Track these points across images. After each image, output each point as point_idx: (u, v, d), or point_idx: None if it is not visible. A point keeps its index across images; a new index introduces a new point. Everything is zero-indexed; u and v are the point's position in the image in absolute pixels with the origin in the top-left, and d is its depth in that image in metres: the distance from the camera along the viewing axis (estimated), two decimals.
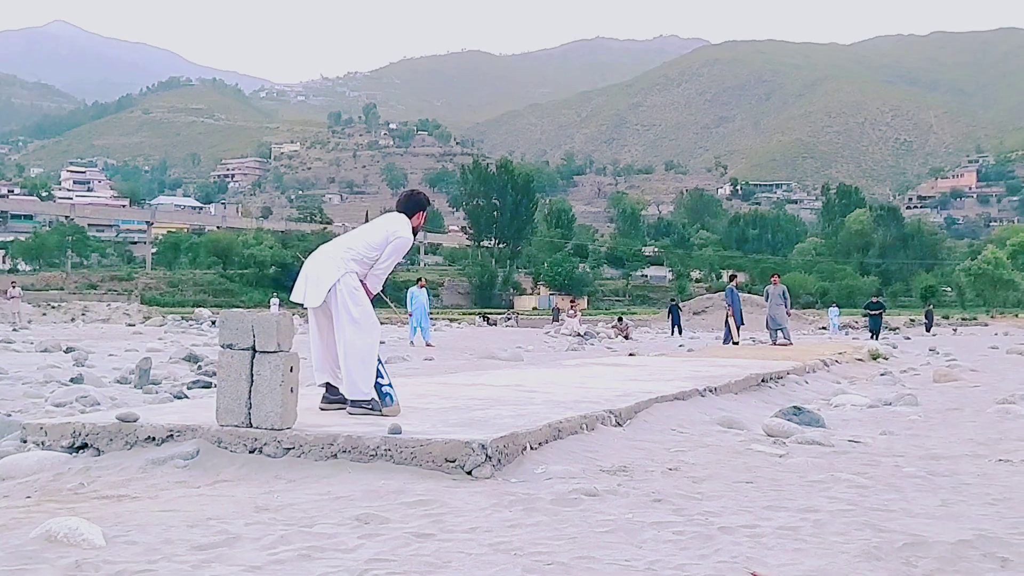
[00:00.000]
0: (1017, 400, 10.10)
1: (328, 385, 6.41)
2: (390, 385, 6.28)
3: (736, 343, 24.02)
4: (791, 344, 22.92)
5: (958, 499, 4.76)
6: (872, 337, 34.17)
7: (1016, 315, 74.83)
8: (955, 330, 54.62)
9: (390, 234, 6.37)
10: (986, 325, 63.21)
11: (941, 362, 19.01)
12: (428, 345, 23.82)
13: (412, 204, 6.70)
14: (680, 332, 42.01)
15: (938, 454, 6.44)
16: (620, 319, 43.44)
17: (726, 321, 25.19)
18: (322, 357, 6.40)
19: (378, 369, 6.27)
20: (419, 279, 28.02)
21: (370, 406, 6.14)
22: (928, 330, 50.23)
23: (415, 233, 6.62)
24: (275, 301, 52.32)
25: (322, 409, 6.34)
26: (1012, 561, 3.50)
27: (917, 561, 3.49)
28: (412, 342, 24.56)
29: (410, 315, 25.66)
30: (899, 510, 4.43)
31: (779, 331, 23.68)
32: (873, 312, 38.08)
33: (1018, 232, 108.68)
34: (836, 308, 56.02)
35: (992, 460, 6.13)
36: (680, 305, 49.08)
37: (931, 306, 61.25)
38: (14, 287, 42.54)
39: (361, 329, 6.16)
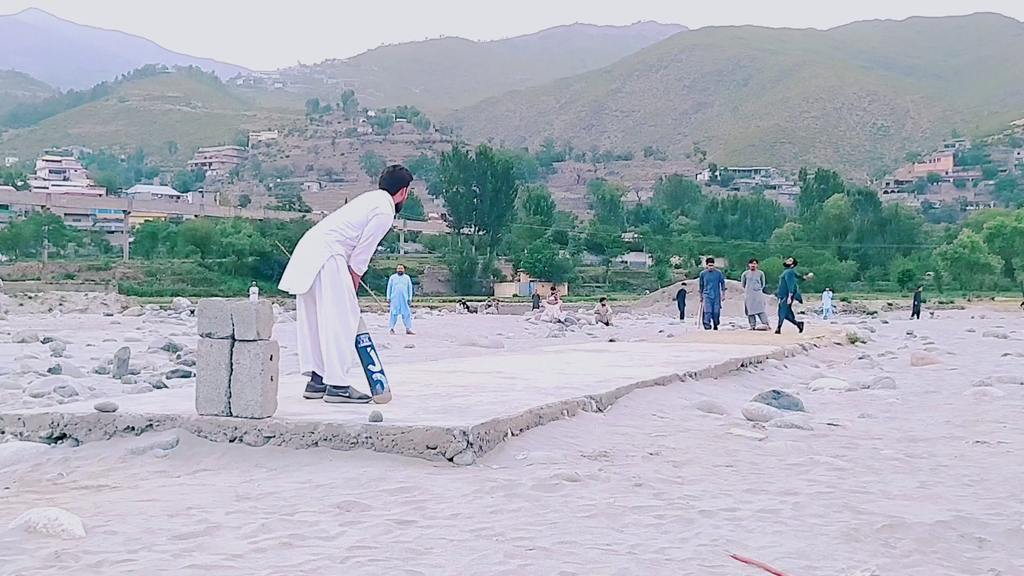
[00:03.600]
0: (993, 382, 10.20)
1: (313, 374, 6.38)
2: (382, 372, 6.25)
3: (703, 326, 23.95)
4: (769, 328, 22.97)
5: (936, 481, 4.80)
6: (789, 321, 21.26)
7: (992, 298, 75.41)
8: (932, 314, 54.99)
9: (370, 211, 6.32)
10: (963, 308, 63.62)
11: (918, 345, 19.17)
12: (409, 332, 23.78)
13: (395, 180, 6.61)
14: (682, 317, 41.68)
15: (916, 436, 6.49)
16: (602, 300, 43.43)
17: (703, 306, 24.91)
18: (309, 345, 6.36)
19: (371, 356, 6.24)
20: (398, 266, 27.89)
21: (347, 394, 6.12)
22: (916, 315, 47.35)
23: (398, 209, 6.56)
24: (254, 290, 52.12)
25: (306, 398, 6.30)
26: (989, 542, 3.53)
27: (896, 542, 3.52)
28: (392, 330, 24.50)
29: (389, 303, 25.60)
30: (878, 492, 4.47)
31: (758, 316, 23.72)
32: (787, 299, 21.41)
33: (994, 216, 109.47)
34: (830, 292, 56.05)
35: (969, 442, 6.19)
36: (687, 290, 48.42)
37: (920, 288, 58.83)
38: None
39: (342, 313, 6.12)
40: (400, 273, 26.20)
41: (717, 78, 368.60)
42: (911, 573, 3.16)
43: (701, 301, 24.61)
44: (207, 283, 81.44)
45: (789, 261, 22.31)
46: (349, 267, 6.27)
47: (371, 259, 6.51)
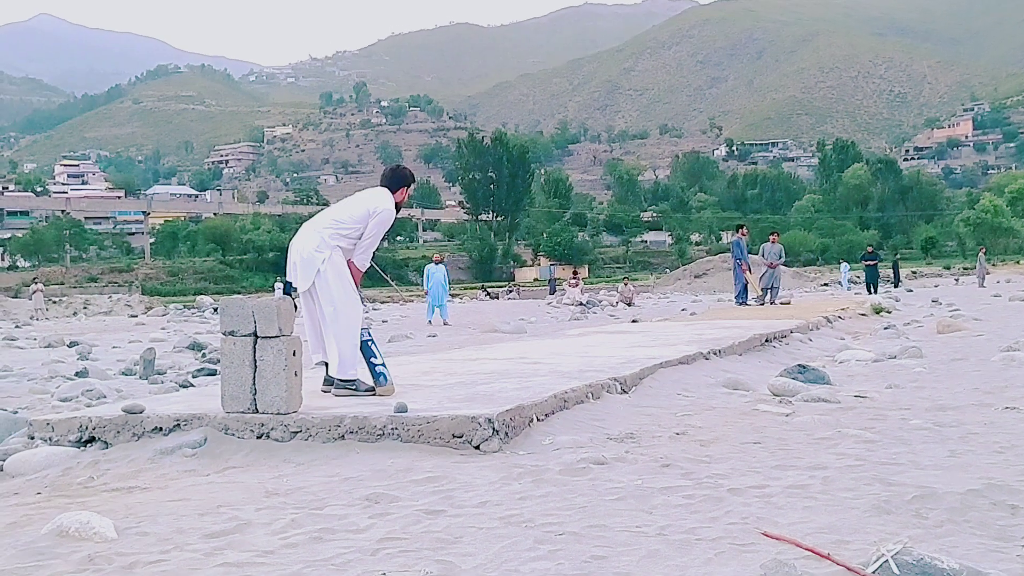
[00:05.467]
0: (1021, 347, 10.10)
1: (327, 365, 6.40)
2: (383, 365, 6.26)
3: (752, 300, 22.38)
4: (774, 304, 22.00)
5: (966, 449, 4.77)
6: (870, 291, 32.71)
7: (1017, 262, 74.70)
8: (957, 280, 54.51)
9: (371, 209, 6.27)
10: (988, 273, 63.01)
11: (944, 313, 19.02)
12: (445, 324, 22.88)
13: (396, 179, 6.57)
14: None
15: (944, 405, 6.44)
16: (625, 280, 43.40)
17: (739, 275, 22.57)
18: (317, 337, 6.39)
19: (372, 349, 6.25)
20: (435, 255, 27.18)
21: (354, 387, 6.12)
22: (896, 285, 46.40)
23: (398, 208, 6.52)
24: (279, 285, 52.29)
25: (323, 391, 6.33)
26: (1022, 509, 3.50)
27: (927, 513, 3.49)
28: (430, 321, 23.69)
29: (427, 293, 24.83)
30: (907, 463, 4.44)
31: (771, 290, 22.70)
32: (869, 263, 35.43)
33: (1016, 179, 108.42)
34: (847, 264, 55.89)
35: (998, 408, 6.14)
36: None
37: (898, 256, 58.95)
38: (36, 283, 44.44)
39: (345, 309, 6.11)
40: (437, 263, 25.17)
41: (730, 52, 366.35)
42: (944, 543, 3.13)
43: (746, 271, 22.77)
44: (229, 280, 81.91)
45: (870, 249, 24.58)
46: (351, 263, 6.26)
47: (381, 248, 6.53)
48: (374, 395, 6.05)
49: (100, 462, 5.13)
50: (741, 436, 5.35)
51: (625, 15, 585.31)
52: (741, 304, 22.22)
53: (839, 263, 63.50)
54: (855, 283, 51.76)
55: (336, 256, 6.16)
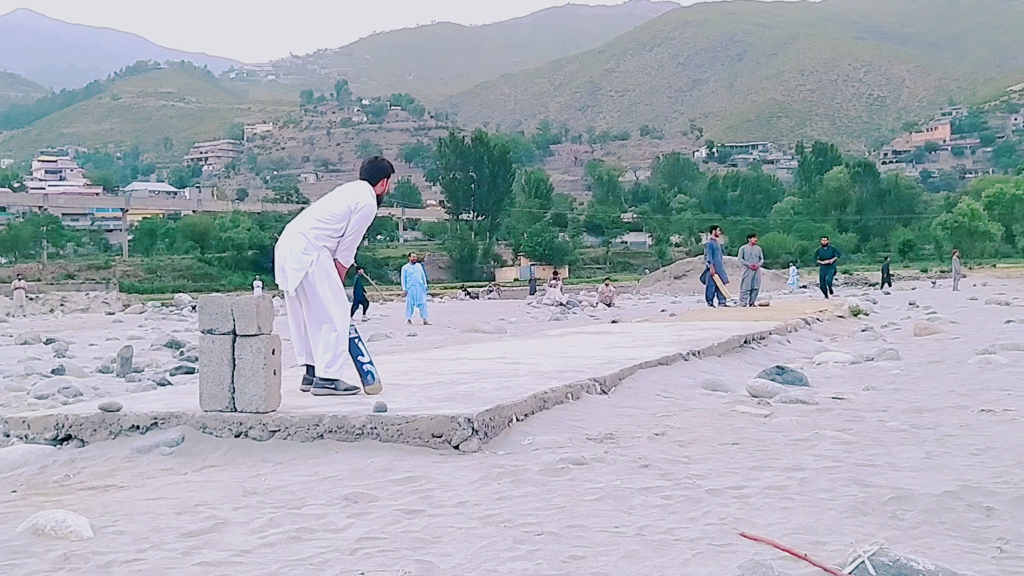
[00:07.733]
0: (997, 350, 10.19)
1: (309, 367, 6.36)
2: (371, 363, 6.23)
3: (731, 302, 22.23)
4: (753, 305, 21.84)
5: (942, 451, 4.80)
6: (824, 292, 29.18)
7: (994, 265, 75.35)
8: (934, 283, 54.90)
9: (352, 204, 6.22)
10: (964, 276, 63.51)
11: (921, 316, 19.13)
12: (425, 323, 22.96)
13: (375, 171, 6.50)
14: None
15: (921, 407, 6.48)
16: (606, 281, 43.43)
17: (708, 279, 22.41)
18: (301, 338, 6.34)
19: (359, 347, 6.22)
20: (411, 255, 27.10)
21: (334, 387, 6.09)
22: (885, 285, 46.36)
23: (379, 200, 6.46)
24: (258, 283, 52.12)
25: (303, 391, 6.29)
26: (997, 510, 3.53)
27: (903, 514, 3.52)
28: (409, 320, 23.70)
29: (406, 293, 24.81)
30: (884, 464, 4.46)
31: (751, 292, 22.61)
32: (824, 261, 29.85)
33: (993, 183, 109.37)
34: (795, 268, 56.81)
35: (974, 411, 6.18)
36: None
37: (887, 258, 59.33)
38: (20, 279, 44.33)
39: (333, 309, 6.09)
40: (414, 262, 25.09)
41: (711, 54, 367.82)
42: (919, 545, 3.16)
43: (715, 274, 21.96)
44: (207, 278, 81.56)
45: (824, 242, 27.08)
46: (336, 260, 6.23)
47: (362, 247, 6.44)
48: (353, 395, 6.03)
49: (76, 460, 5.09)
50: (719, 437, 5.36)
51: (607, 16, 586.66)
52: (720, 305, 22.10)
53: (786, 266, 64.56)
54: (799, 285, 51.91)
55: (324, 257, 6.12)
